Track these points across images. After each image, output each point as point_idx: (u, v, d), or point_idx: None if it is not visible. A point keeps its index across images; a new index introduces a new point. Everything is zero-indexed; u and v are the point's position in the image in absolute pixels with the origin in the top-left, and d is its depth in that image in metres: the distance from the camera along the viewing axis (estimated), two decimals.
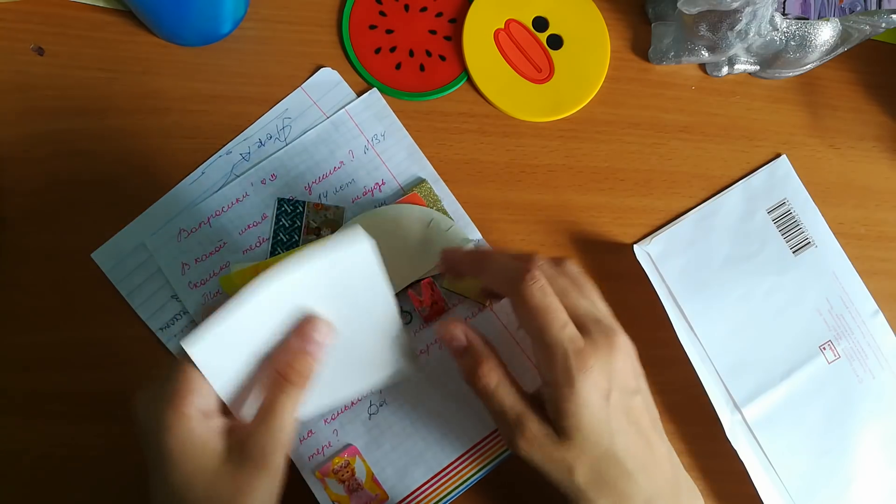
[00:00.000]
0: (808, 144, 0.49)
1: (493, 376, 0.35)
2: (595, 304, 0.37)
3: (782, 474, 0.44)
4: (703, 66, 0.49)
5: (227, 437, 0.33)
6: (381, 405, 0.42)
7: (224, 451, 0.32)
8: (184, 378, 0.32)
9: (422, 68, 0.47)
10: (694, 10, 0.42)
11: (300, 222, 0.43)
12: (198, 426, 0.31)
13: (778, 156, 0.48)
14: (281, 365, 0.34)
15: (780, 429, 0.44)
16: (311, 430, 0.42)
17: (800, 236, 0.47)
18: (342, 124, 0.44)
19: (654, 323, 0.44)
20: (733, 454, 0.43)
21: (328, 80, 0.45)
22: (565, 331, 0.34)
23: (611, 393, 0.34)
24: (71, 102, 0.44)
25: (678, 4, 0.42)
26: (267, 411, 0.33)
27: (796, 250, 0.47)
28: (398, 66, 0.46)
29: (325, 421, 0.42)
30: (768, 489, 0.43)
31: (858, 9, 0.45)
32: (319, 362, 0.34)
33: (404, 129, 0.45)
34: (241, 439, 0.32)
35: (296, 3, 0.46)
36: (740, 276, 0.46)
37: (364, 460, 0.42)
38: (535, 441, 0.34)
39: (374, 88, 0.45)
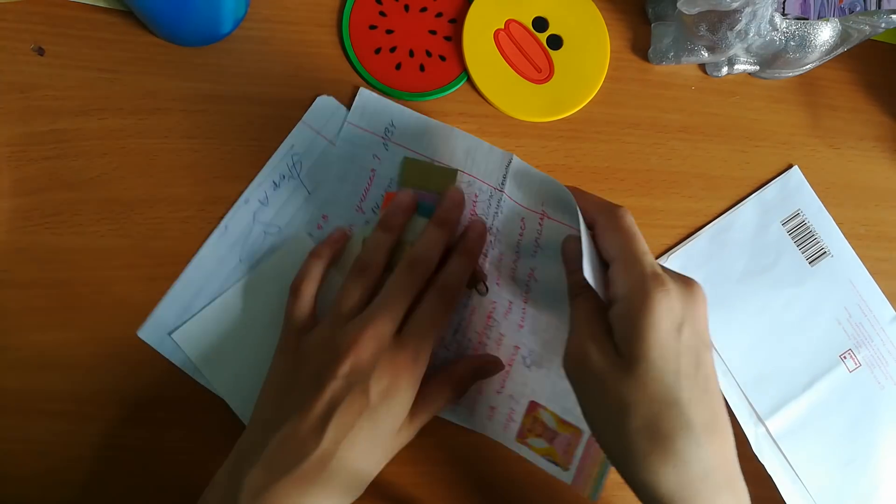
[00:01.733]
0: (808, 144, 0.49)
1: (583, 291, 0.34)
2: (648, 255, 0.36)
3: (809, 485, 0.44)
4: (702, 67, 0.49)
5: None
6: (530, 352, 0.42)
7: None
8: None
9: (422, 68, 0.47)
10: (694, 11, 0.42)
11: None
12: None
13: (790, 167, 0.48)
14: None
15: (805, 439, 0.44)
16: (491, 407, 0.42)
17: (815, 246, 0.47)
18: (354, 137, 0.44)
19: None
20: (751, 456, 0.43)
21: (327, 107, 0.45)
22: (649, 255, 0.32)
23: (683, 327, 0.30)
24: (71, 102, 0.44)
25: (678, 5, 0.42)
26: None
27: (812, 261, 0.47)
28: (398, 67, 0.46)
29: (497, 392, 0.42)
30: (796, 500, 0.43)
31: (858, 9, 0.45)
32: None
33: (406, 109, 0.44)
34: None
35: (296, 4, 0.46)
36: (758, 290, 0.46)
37: (545, 408, 0.41)
38: (595, 363, 0.31)
39: (360, 88, 0.45)
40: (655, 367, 0.30)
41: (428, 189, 0.42)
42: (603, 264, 0.34)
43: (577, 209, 0.34)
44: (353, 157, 0.43)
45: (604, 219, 0.34)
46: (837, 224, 0.48)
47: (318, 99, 0.45)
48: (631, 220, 0.34)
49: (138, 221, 0.43)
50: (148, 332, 0.42)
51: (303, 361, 0.37)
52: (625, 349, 0.30)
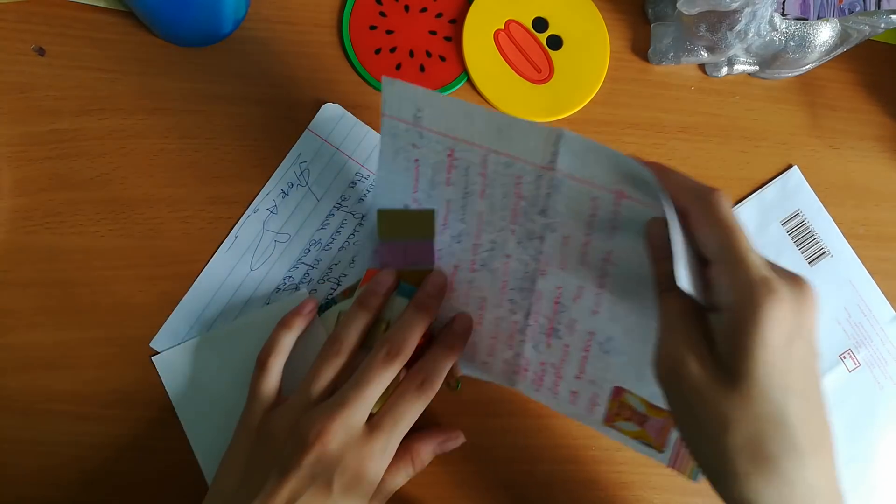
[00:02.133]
0: (808, 145, 0.49)
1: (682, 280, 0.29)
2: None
3: None
4: (702, 67, 0.49)
5: None
6: (607, 339, 0.39)
7: None
8: None
9: (422, 69, 0.47)
10: (693, 11, 0.42)
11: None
12: None
13: (790, 167, 0.48)
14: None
15: None
16: (572, 391, 0.41)
17: (815, 246, 0.47)
18: (392, 128, 0.39)
19: None
20: None
21: (333, 115, 0.45)
22: (753, 252, 0.29)
23: (794, 341, 0.28)
24: (72, 102, 0.44)
25: (678, 5, 0.42)
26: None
27: (812, 261, 0.47)
28: (398, 67, 0.46)
29: (577, 377, 0.40)
30: None
31: (858, 9, 0.45)
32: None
33: (433, 93, 0.39)
34: None
35: (296, 4, 0.46)
36: None
37: (632, 393, 0.39)
38: (693, 375, 0.28)
39: (383, 77, 0.38)
40: (762, 384, 0.27)
41: (407, 237, 0.41)
42: (700, 260, 0.31)
43: (662, 194, 0.31)
44: (392, 150, 0.39)
45: (697, 207, 0.30)
46: (837, 224, 0.48)
47: (324, 107, 0.45)
48: (729, 206, 0.30)
49: (138, 221, 0.43)
50: (161, 342, 0.42)
51: (267, 442, 0.36)
52: (728, 363, 0.28)
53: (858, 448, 0.45)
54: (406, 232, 0.41)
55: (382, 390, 0.36)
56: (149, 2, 0.41)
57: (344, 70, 0.46)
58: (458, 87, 0.47)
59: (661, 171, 0.32)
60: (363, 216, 0.44)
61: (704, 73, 0.49)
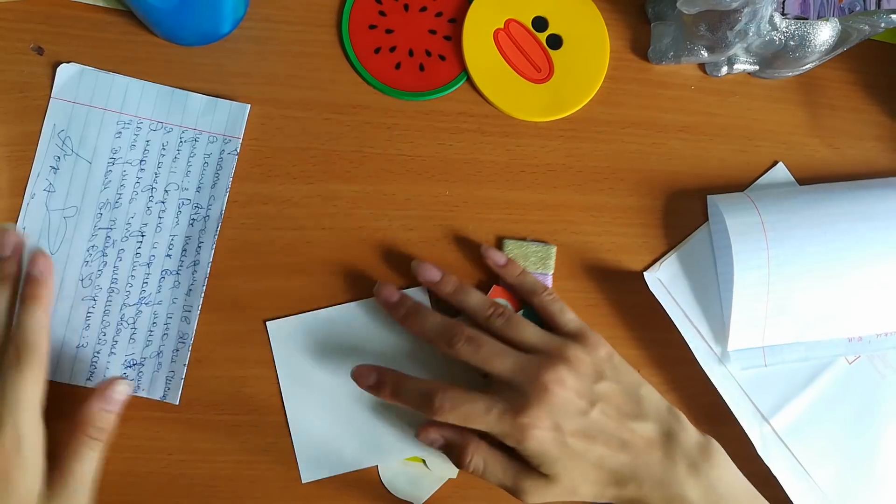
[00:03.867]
0: (808, 144, 0.49)
1: (477, 457, 0.38)
2: (526, 340, 0.39)
3: (818, 479, 0.44)
4: (702, 66, 0.49)
5: None
6: None
7: None
8: None
9: (421, 68, 0.47)
10: (693, 10, 0.42)
11: None
12: None
13: (775, 163, 0.48)
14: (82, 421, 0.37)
15: (810, 435, 0.44)
16: None
17: None
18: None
19: (662, 337, 0.44)
20: (755, 457, 0.43)
21: (72, 75, 0.43)
22: (491, 416, 0.36)
23: (562, 427, 0.36)
24: None
25: (678, 4, 0.42)
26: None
27: None
28: (398, 66, 0.46)
29: None
30: (806, 495, 0.43)
31: (858, 9, 0.45)
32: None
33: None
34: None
35: (296, 3, 0.46)
36: None
37: None
38: (534, 491, 0.37)
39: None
40: (567, 469, 0.37)
41: None
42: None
43: None
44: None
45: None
46: None
47: (59, 69, 0.43)
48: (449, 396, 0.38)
49: None
50: None
51: None
52: (541, 473, 0.37)
53: (864, 439, 0.45)
54: None
55: None
56: (148, 2, 0.41)
57: (343, 69, 0.46)
58: (458, 86, 0.47)
59: (411, 314, 0.41)
60: (141, 161, 0.43)
61: (704, 72, 0.49)
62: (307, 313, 0.43)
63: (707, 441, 0.39)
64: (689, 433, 0.38)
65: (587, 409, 0.37)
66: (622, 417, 0.38)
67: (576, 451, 0.36)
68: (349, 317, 0.43)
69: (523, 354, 0.38)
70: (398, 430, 0.43)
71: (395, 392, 0.39)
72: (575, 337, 0.40)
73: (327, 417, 0.42)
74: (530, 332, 0.39)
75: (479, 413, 0.36)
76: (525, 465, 0.37)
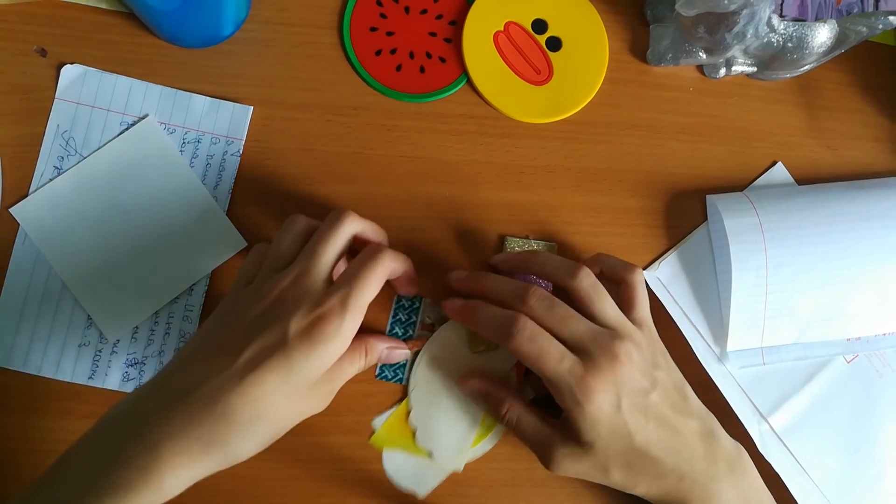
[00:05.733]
0: (806, 146, 0.50)
1: (513, 412, 0.40)
2: (604, 312, 0.38)
3: (816, 478, 0.44)
4: (700, 68, 0.50)
5: None
6: None
7: None
8: None
9: (422, 70, 0.47)
10: (692, 12, 0.42)
11: (416, 317, 0.44)
12: None
13: (774, 163, 0.49)
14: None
15: (809, 433, 0.45)
16: None
17: None
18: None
19: (662, 335, 0.45)
20: (755, 456, 0.43)
21: (76, 76, 0.44)
22: (562, 365, 0.36)
23: (621, 401, 0.36)
24: None
25: (676, 6, 0.42)
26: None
27: None
28: (398, 68, 0.47)
29: None
30: (804, 494, 0.43)
31: (855, 10, 0.46)
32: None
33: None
34: None
35: (297, 6, 0.47)
36: None
37: None
38: (563, 459, 0.37)
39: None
40: (611, 442, 0.36)
41: None
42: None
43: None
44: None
45: (501, 342, 0.38)
46: None
47: (63, 70, 0.44)
48: (526, 338, 0.37)
49: None
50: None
51: (231, 311, 0.36)
52: (581, 441, 0.37)
53: (863, 437, 0.45)
54: None
55: (338, 250, 0.37)
56: (150, 4, 0.42)
57: (344, 71, 0.46)
58: (458, 88, 0.47)
59: (470, 310, 0.40)
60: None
61: (703, 74, 0.49)
62: (43, 187, 0.42)
63: (739, 447, 0.39)
64: (726, 436, 0.39)
65: (649, 390, 0.37)
66: (674, 408, 0.38)
67: (628, 425, 0.36)
68: (87, 173, 0.43)
69: (595, 325, 0.38)
70: (179, 263, 0.43)
71: (476, 316, 0.39)
72: (639, 325, 0.40)
73: (105, 274, 0.42)
74: (608, 307, 0.39)
75: (552, 356, 0.36)
76: (558, 431, 0.38)
